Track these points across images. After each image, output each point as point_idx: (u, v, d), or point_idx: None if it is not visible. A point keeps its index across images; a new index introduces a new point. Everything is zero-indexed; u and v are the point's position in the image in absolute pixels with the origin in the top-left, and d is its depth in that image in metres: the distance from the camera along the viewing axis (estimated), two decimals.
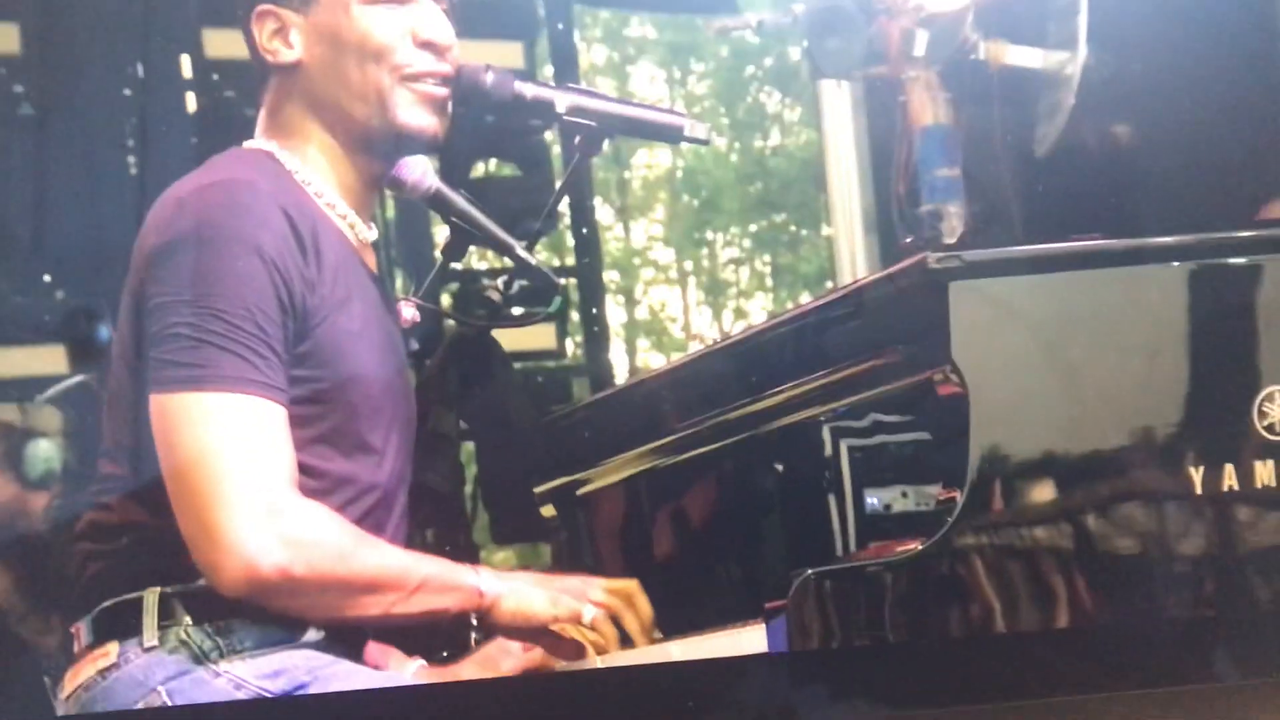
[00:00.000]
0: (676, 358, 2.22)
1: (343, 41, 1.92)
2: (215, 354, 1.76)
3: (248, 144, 1.95)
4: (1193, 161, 2.25)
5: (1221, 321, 1.79)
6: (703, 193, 3.05)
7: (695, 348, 2.13)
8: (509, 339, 2.20)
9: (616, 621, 1.89)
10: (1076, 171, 2.28)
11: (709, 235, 3.07)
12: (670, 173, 3.05)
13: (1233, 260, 1.80)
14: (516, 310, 2.15)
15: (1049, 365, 1.75)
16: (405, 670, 1.95)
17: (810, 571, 1.71)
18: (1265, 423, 1.75)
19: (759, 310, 3.06)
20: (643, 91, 3.02)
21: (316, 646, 1.83)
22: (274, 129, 1.94)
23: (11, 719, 1.99)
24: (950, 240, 2.26)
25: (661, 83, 3.04)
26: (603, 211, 3.00)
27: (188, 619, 1.79)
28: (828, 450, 1.97)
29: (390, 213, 2.56)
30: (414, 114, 1.93)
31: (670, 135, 2.10)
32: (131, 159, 2.32)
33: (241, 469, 1.74)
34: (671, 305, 3.08)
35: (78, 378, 2.22)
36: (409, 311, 2.04)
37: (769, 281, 3.05)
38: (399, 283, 2.64)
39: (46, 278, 2.29)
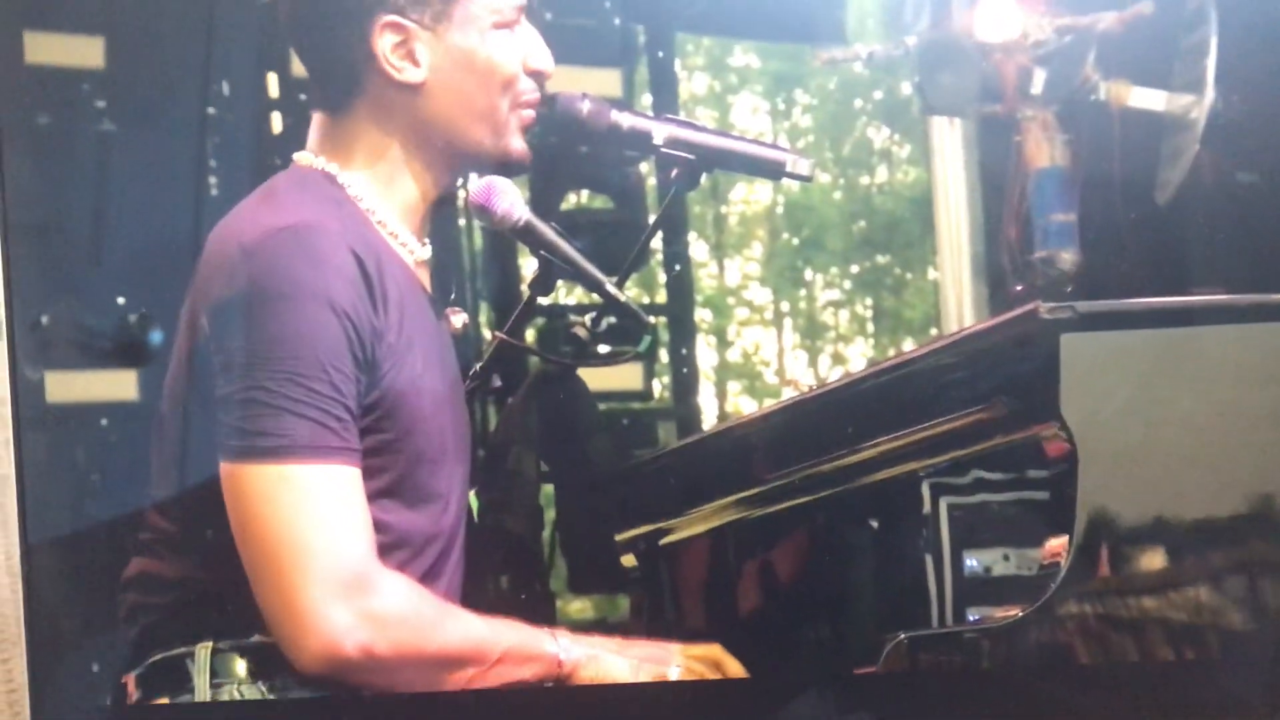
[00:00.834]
0: (769, 404, 2.23)
1: (474, 64, 1.95)
2: (293, 422, 1.78)
3: (301, 159, 1.97)
4: None
5: None
6: (803, 230, 3.05)
7: (790, 394, 2.13)
8: (593, 378, 2.21)
9: None
10: (1199, 221, 2.27)
11: (808, 275, 3.07)
12: (770, 209, 3.06)
13: None
14: (604, 349, 2.16)
15: (1162, 425, 1.75)
16: None
17: (904, 636, 1.71)
18: None
19: (858, 356, 3.05)
20: (744, 123, 3.03)
21: None
22: (339, 146, 1.96)
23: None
24: (1063, 289, 2.26)
25: (764, 114, 3.05)
26: (697, 247, 3.01)
27: (241, 676, 1.82)
28: (926, 508, 1.97)
29: (477, 243, 2.59)
30: (518, 140, 1.98)
31: (772, 171, 2.11)
32: (213, 179, 2.36)
33: (323, 543, 1.77)
34: (766, 348, 3.08)
35: None
36: (458, 320, 2.07)
37: (870, 326, 3.04)
38: (482, 315, 2.67)
39: (120, 300, 2.32)
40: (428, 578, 1.89)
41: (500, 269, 2.61)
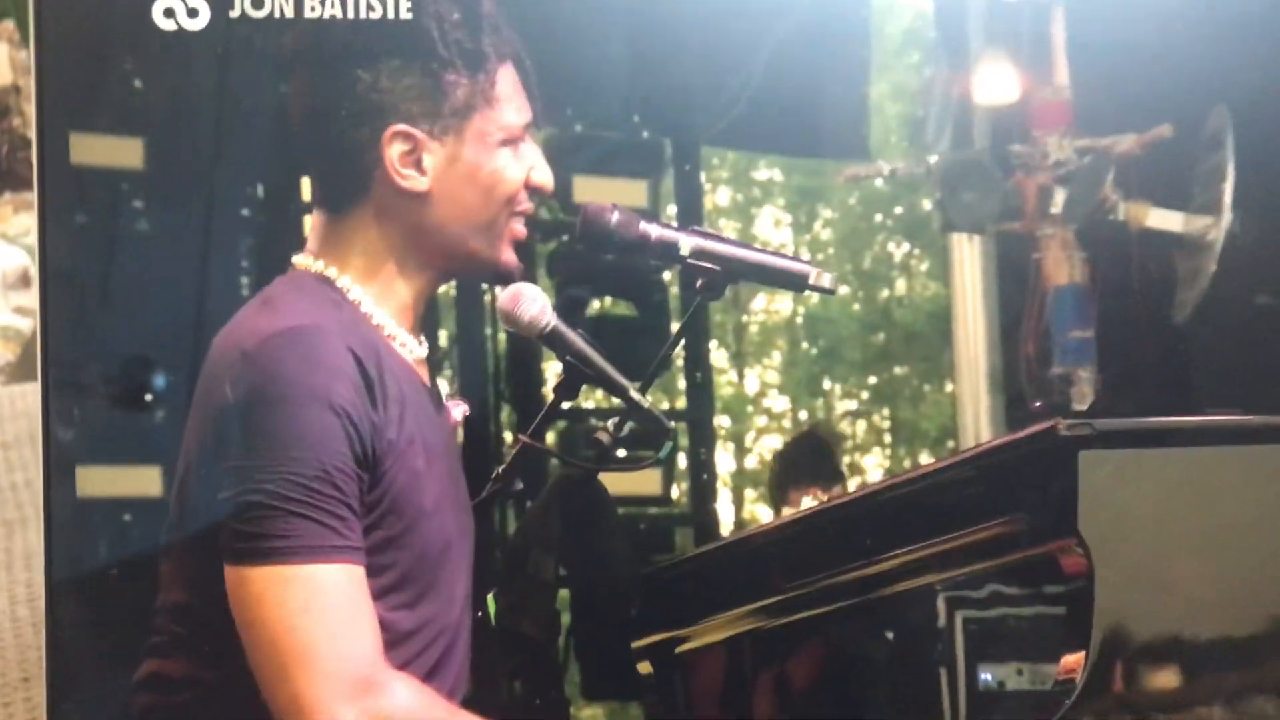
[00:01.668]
0: (787, 513, 2.24)
1: (479, 179, 1.98)
2: (297, 523, 1.78)
3: (299, 261, 2.00)
4: None
5: None
6: (822, 341, 3.07)
7: (808, 503, 2.14)
8: (613, 482, 2.22)
9: None
10: (1216, 341, 2.29)
11: (826, 385, 3.09)
12: (790, 319, 3.08)
13: None
14: (625, 454, 2.18)
15: (1180, 544, 1.75)
16: None
17: None
18: None
19: (875, 467, 3.06)
20: (767, 235, 3.06)
21: None
22: (336, 248, 1.98)
23: None
24: (1081, 406, 2.27)
25: (786, 227, 3.08)
26: (718, 355, 3.03)
27: None
28: (941, 620, 1.98)
29: (502, 346, 2.61)
30: (511, 255, 2.02)
31: (795, 283, 2.13)
32: (245, 279, 2.39)
33: (329, 644, 1.77)
34: None
35: None
36: (458, 411, 2.08)
37: (887, 437, 3.05)
38: (504, 415, 2.69)
39: (148, 397, 2.34)
40: (433, 674, 1.90)
41: (524, 373, 2.63)
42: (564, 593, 2.27)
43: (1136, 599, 1.74)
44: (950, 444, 2.90)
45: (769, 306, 3.07)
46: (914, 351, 2.99)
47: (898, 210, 2.99)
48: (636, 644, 2.26)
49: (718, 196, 3.03)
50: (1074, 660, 1.73)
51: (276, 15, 2.10)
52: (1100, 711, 1.70)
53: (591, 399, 2.55)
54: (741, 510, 3.07)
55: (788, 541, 2.11)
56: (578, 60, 2.41)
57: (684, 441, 2.85)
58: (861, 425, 3.07)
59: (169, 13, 2.10)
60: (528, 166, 2.01)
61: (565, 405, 2.14)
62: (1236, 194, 2.26)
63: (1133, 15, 2.41)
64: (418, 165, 1.97)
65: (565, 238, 2.15)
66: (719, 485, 2.92)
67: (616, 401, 2.11)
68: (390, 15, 2.06)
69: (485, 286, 2.15)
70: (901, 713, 2.03)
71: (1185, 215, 2.30)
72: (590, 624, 2.28)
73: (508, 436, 2.47)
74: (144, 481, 2.29)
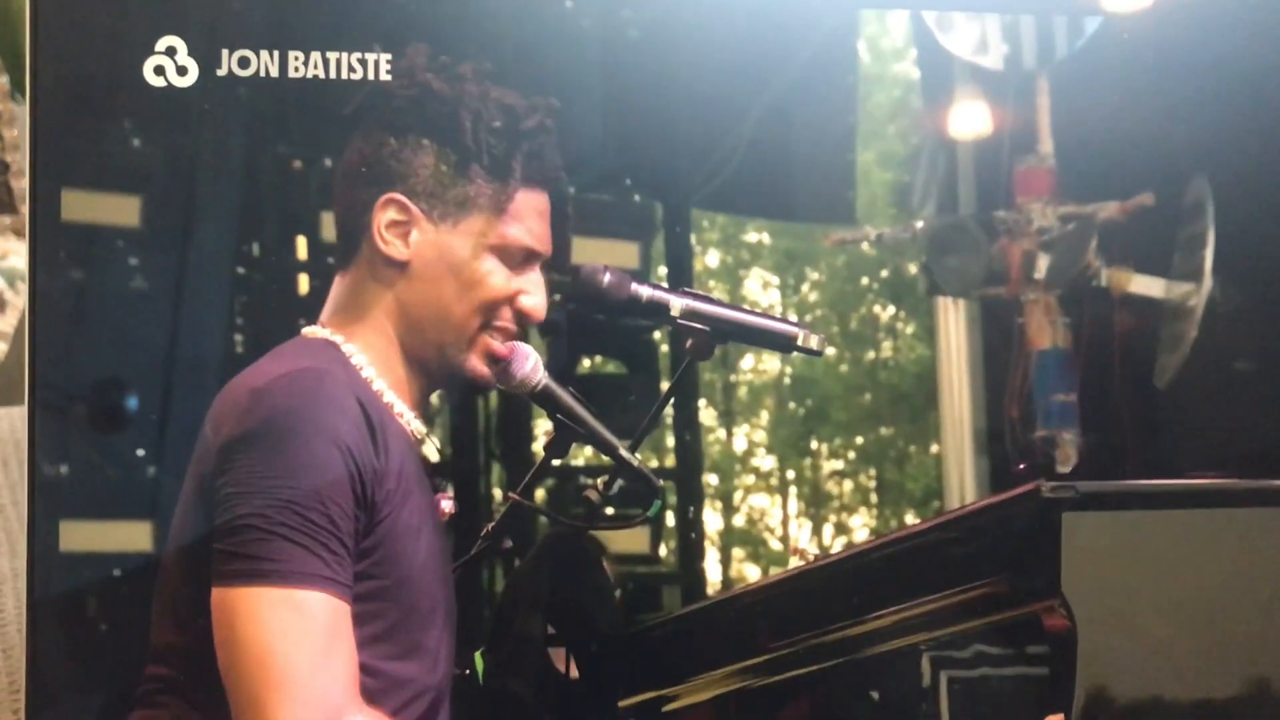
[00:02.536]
0: (775, 572, 2.25)
1: (459, 271, 2.00)
2: (286, 547, 1.80)
3: (308, 332, 2.03)
4: None
5: None
6: (809, 401, 3.09)
7: (795, 563, 2.15)
8: (600, 540, 2.23)
9: None
10: (1197, 405, 2.31)
11: (813, 445, 3.10)
12: (778, 379, 3.10)
13: None
14: (614, 512, 2.19)
15: (1163, 605, 1.77)
16: None
17: None
18: None
19: (861, 527, 3.07)
20: (755, 297, 3.08)
21: None
22: (344, 317, 2.02)
23: None
24: (1064, 469, 2.28)
25: (774, 289, 3.10)
26: (706, 414, 3.04)
27: None
28: (926, 680, 1.99)
29: (493, 403, 2.63)
30: (480, 365, 2.03)
31: (783, 345, 2.16)
32: (239, 337, 2.41)
33: (305, 669, 1.77)
34: (770, 515, 3.10)
35: None
36: (447, 505, 2.09)
37: (873, 497, 3.06)
38: (494, 474, 2.70)
39: (140, 452, 2.34)
40: None
41: (515, 430, 2.64)
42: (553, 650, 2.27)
43: (1118, 660, 1.75)
44: (936, 505, 2.92)
45: (757, 367, 3.09)
46: (900, 413, 3.00)
47: (884, 274, 3.01)
48: (624, 703, 2.27)
49: (708, 258, 3.05)
50: None
51: (262, 74, 2.13)
52: None
53: (581, 457, 2.56)
54: (729, 569, 3.07)
55: (774, 601, 2.12)
56: (572, 125, 2.44)
57: (672, 500, 2.85)
58: (848, 485, 3.08)
59: (159, 70, 2.13)
60: (518, 286, 2.03)
61: (555, 463, 2.15)
62: (1217, 261, 2.28)
63: (1115, 86, 2.44)
64: (404, 237, 2.00)
65: (558, 297, 2.17)
66: (706, 544, 2.92)
67: (606, 459, 2.13)
68: (370, 76, 2.09)
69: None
70: None
71: (1167, 282, 2.33)
72: (578, 682, 2.29)
73: (497, 494, 2.48)
74: (135, 537, 2.29)
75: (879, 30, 2.91)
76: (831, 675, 2.04)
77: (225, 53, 2.13)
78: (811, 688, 2.08)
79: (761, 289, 3.09)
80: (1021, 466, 2.34)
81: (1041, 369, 2.36)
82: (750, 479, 3.09)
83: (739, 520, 3.06)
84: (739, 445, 3.08)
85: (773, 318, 2.18)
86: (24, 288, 2.21)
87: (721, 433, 3.07)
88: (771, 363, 3.06)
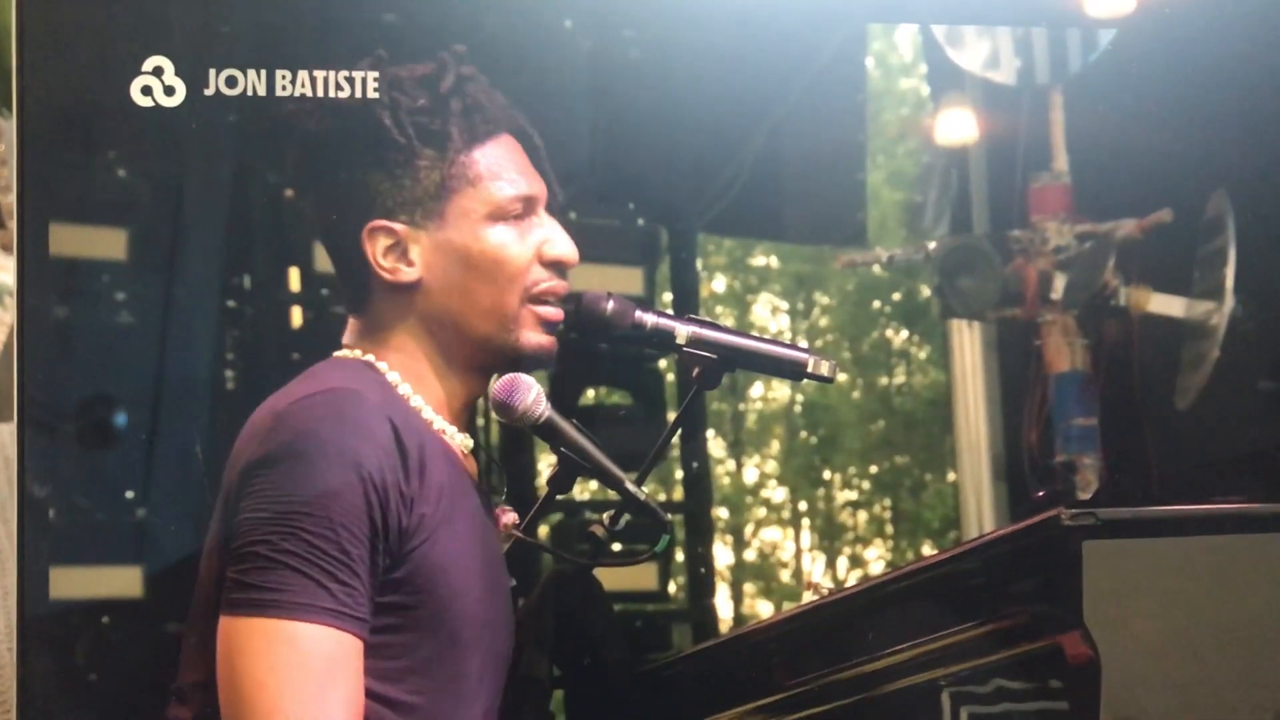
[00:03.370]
0: (788, 608, 2.26)
1: (472, 261, 1.99)
2: (290, 577, 1.78)
3: (340, 354, 2.02)
4: None
5: None
6: (821, 430, 3.10)
7: (809, 598, 2.16)
8: (607, 577, 2.23)
9: None
10: (1221, 427, 2.31)
11: (826, 475, 3.12)
12: (788, 407, 3.12)
13: None
14: (621, 548, 2.19)
15: (1189, 635, 1.77)
16: None
17: None
18: None
19: (877, 559, 3.09)
20: (764, 322, 3.10)
21: None
22: (371, 342, 2.01)
23: None
24: (1085, 495, 2.29)
25: (784, 314, 3.12)
26: (715, 444, 3.06)
27: None
28: (946, 717, 1.99)
29: (495, 437, 2.63)
30: (535, 335, 2.01)
31: (793, 372, 2.15)
32: (230, 373, 2.41)
33: (297, 708, 1.75)
34: (783, 548, 3.11)
35: None
36: (508, 518, 2.08)
37: (889, 528, 3.08)
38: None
39: (128, 494, 2.35)
40: None
41: (518, 465, 2.65)
42: (559, 693, 2.28)
43: (1144, 693, 1.75)
44: (953, 535, 2.93)
45: (767, 395, 3.10)
46: (915, 440, 3.02)
47: (896, 297, 3.03)
48: None
49: (714, 283, 3.07)
50: None
51: (249, 94, 2.15)
52: None
53: (586, 491, 2.56)
54: (740, 605, 3.08)
55: (788, 637, 2.12)
56: (572, 146, 2.46)
57: (681, 534, 2.85)
58: (863, 515, 3.10)
59: (146, 90, 2.15)
60: (538, 242, 2.01)
61: (559, 498, 2.15)
62: (1238, 278, 2.30)
63: (1131, 100, 2.46)
64: (404, 257, 1.98)
65: (560, 326, 2.17)
66: (717, 579, 2.93)
67: (612, 494, 2.12)
68: (359, 94, 2.11)
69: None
70: None
71: (1187, 300, 2.34)
72: None
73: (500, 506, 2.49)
74: (124, 582, 2.29)
75: (887, 46, 2.94)
76: (848, 714, 2.04)
77: (212, 72, 2.15)
78: None
79: (770, 314, 3.11)
80: (1041, 494, 2.35)
81: (1060, 392, 2.37)
82: (761, 511, 3.10)
83: (750, 554, 3.07)
84: (749, 476, 3.09)
85: (782, 344, 2.18)
86: (12, 303, 2.22)
87: (731, 464, 3.08)
88: (781, 391, 3.08)
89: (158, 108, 2.15)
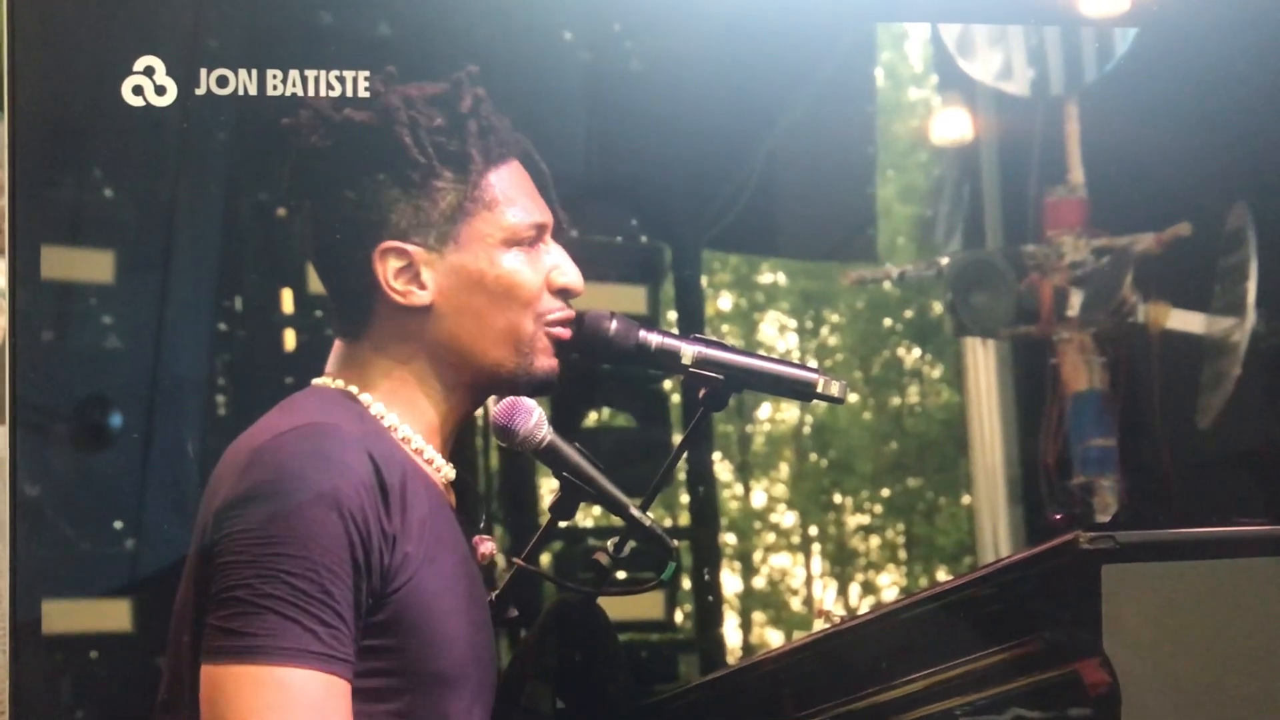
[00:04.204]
0: (799, 637, 2.27)
1: (487, 286, 2.00)
2: (275, 622, 1.79)
3: (319, 382, 2.03)
4: None
5: None
6: (831, 452, 3.11)
7: (820, 626, 2.17)
8: (612, 606, 2.24)
9: None
10: (1243, 447, 2.32)
11: (837, 499, 3.12)
12: (797, 429, 3.12)
13: None
14: (625, 576, 2.20)
15: (1211, 662, 1.79)
16: None
17: None
18: None
19: (890, 585, 3.09)
20: (771, 341, 3.11)
21: None
22: (357, 369, 2.02)
23: None
24: (1103, 518, 2.30)
25: (792, 333, 3.13)
26: (722, 468, 3.06)
27: None
28: None
29: (494, 462, 2.64)
30: (546, 360, 2.03)
31: (802, 393, 2.16)
32: (221, 398, 2.42)
33: None
34: (792, 575, 3.12)
35: None
36: (485, 548, 2.09)
37: (902, 554, 3.08)
38: (497, 538, 2.70)
39: (117, 524, 2.35)
40: None
41: (518, 490, 2.65)
42: None
43: None
44: (968, 560, 2.93)
45: (775, 416, 3.11)
46: (928, 462, 3.02)
47: (908, 314, 3.03)
48: None
49: (720, 302, 3.08)
50: None
51: (241, 93, 2.17)
52: None
53: (589, 517, 2.57)
54: (749, 634, 3.08)
55: (799, 667, 2.12)
56: (571, 162, 2.47)
57: (687, 561, 2.86)
58: (875, 541, 3.10)
59: (138, 90, 2.17)
60: (547, 268, 2.03)
61: (561, 524, 2.15)
62: (1260, 293, 2.31)
63: (1149, 110, 2.47)
64: (416, 280, 1.99)
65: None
66: (725, 608, 2.93)
67: (616, 520, 2.13)
68: (349, 93, 2.13)
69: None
70: None
71: (1207, 316, 2.35)
72: None
73: (500, 560, 2.50)
74: (112, 615, 2.30)
75: (897, 56, 2.95)
76: None
77: (204, 72, 2.17)
78: None
79: (778, 333, 3.12)
80: (1058, 517, 2.36)
81: (1077, 412, 2.39)
82: (770, 537, 3.11)
83: (759, 581, 3.08)
84: (757, 501, 3.10)
85: (791, 363, 2.19)
86: (3, 304, 2.24)
87: (738, 488, 3.09)
88: (790, 412, 3.08)
89: (149, 107, 2.17)
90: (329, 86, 2.15)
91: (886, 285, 2.87)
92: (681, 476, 2.84)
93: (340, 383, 2.01)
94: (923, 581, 3.04)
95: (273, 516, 1.82)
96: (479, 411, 2.28)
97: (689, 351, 2.13)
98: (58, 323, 2.29)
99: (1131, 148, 2.51)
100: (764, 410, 3.09)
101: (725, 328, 3.08)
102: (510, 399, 2.06)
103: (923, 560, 3.05)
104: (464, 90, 2.03)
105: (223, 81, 2.18)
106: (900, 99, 2.93)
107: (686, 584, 2.86)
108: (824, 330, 3.14)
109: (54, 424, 2.23)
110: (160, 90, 2.18)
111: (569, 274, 2.06)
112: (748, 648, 3.08)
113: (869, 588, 3.08)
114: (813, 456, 3.12)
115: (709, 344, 2.14)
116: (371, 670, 1.86)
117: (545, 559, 2.44)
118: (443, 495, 2.01)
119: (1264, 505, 2.18)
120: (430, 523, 1.92)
